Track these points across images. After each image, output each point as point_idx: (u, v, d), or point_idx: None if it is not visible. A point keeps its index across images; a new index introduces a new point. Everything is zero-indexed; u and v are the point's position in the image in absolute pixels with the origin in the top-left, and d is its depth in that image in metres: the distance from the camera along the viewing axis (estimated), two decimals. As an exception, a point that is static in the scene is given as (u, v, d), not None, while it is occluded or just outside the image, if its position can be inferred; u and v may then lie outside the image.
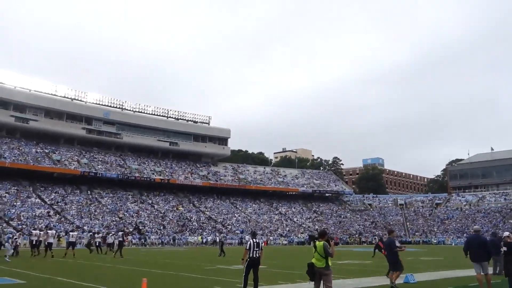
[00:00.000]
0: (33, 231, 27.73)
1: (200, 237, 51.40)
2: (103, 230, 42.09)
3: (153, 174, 62.62)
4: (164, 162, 68.31)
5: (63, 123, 59.71)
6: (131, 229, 48.25)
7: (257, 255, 10.49)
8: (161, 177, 62.36)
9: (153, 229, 50.99)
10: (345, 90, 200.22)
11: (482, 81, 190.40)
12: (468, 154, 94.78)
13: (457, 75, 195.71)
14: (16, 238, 25.06)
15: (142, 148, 67.78)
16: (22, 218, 43.19)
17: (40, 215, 45.30)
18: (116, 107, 65.09)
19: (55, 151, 57.65)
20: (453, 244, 56.79)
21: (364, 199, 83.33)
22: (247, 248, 10.52)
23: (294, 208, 73.38)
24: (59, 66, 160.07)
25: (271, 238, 56.15)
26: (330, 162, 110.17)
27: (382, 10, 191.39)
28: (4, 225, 39.72)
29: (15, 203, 46.05)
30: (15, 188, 49.72)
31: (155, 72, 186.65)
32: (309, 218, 70.28)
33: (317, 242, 8.70)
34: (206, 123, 74.29)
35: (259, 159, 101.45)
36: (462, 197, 77.84)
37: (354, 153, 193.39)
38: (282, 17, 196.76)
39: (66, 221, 45.79)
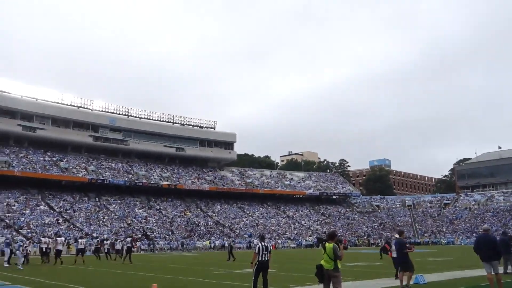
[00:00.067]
0: (42, 238, 27.90)
1: (208, 241, 51.48)
2: (112, 237, 42.31)
3: (160, 179, 62.86)
4: (171, 168, 68.54)
5: (70, 131, 60.16)
6: (139, 235, 48.43)
7: (266, 258, 10.55)
8: (168, 183, 62.58)
9: (161, 235, 51.15)
10: (350, 92, 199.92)
11: (489, 80, 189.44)
12: (476, 153, 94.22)
13: (464, 75, 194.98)
14: (26, 246, 25.26)
15: (148, 154, 68.07)
16: (31, 226, 43.53)
17: (49, 222, 45.63)
18: (122, 114, 65.50)
19: (62, 159, 58.06)
20: (462, 244, 56.46)
21: (371, 201, 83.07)
22: (256, 251, 10.58)
23: (302, 211, 73.30)
24: (64, 75, 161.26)
25: (279, 241, 56.11)
26: (336, 164, 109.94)
27: (387, 11, 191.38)
28: (14, 233, 40.03)
29: (24, 212, 46.43)
30: (24, 196, 50.12)
31: (160, 78, 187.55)
32: (317, 221, 70.15)
33: (326, 244, 8.71)
34: (211, 128, 74.53)
35: (265, 163, 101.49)
36: (471, 196, 77.38)
37: (361, 154, 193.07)
38: (286, 21, 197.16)
39: (75, 228, 46.08)
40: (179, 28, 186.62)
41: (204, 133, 73.07)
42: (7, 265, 22.79)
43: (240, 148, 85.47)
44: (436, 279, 14.73)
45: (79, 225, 47.18)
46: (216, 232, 56.61)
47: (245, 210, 67.79)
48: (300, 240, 58.90)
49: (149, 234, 50.38)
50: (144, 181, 60.66)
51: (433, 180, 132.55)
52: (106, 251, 31.54)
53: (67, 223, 47.11)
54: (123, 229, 49.06)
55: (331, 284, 8.70)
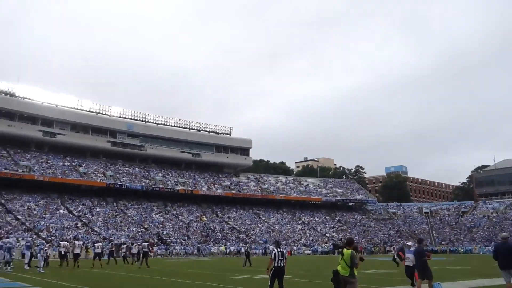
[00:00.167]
0: (61, 242, 28.41)
1: (224, 247, 51.65)
2: (128, 241, 42.82)
3: (177, 185, 63.37)
4: (187, 173, 69.06)
5: (88, 136, 61.13)
6: (156, 240, 48.86)
7: (282, 264, 10.66)
8: (185, 188, 63.05)
9: (177, 240, 51.51)
10: (366, 98, 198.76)
11: (507, 85, 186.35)
12: (494, 160, 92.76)
13: (482, 81, 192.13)
14: (46, 249, 25.75)
15: (165, 159, 68.70)
16: (51, 229, 44.30)
17: (68, 226, 46.39)
18: (139, 120, 66.35)
19: (81, 164, 59.00)
20: (481, 253, 55.52)
21: (388, 208, 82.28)
22: (272, 257, 10.69)
23: (317, 217, 73.02)
24: (83, 81, 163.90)
25: (294, 248, 55.98)
26: (352, 170, 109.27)
27: (404, 17, 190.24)
28: (34, 236, 40.80)
29: (44, 215, 47.31)
30: (44, 200, 51.06)
31: (176, 84, 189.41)
32: (332, 228, 69.77)
33: (344, 250, 8.77)
34: (227, 134, 74.92)
35: (281, 169, 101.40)
36: (489, 204, 76.09)
37: (377, 161, 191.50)
38: (301, 26, 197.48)
39: (93, 233, 46.73)
40: (195, 35, 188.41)
41: (220, 139, 73.49)
42: (28, 267, 23.28)
43: (255, 154, 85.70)
44: (454, 287, 14.60)
45: (97, 229, 47.84)
46: (231, 238, 56.78)
47: (260, 216, 67.83)
48: (315, 247, 58.66)
49: (165, 239, 50.79)
50: (161, 186, 61.22)
51: (451, 187, 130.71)
52: (123, 255, 31.82)
53: (85, 227, 47.82)
54: (140, 233, 49.57)
55: (347, 291, 8.75)
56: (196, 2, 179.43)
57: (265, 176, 79.68)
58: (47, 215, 47.50)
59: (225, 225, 61.06)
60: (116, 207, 56.10)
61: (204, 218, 61.12)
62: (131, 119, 65.66)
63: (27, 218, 45.63)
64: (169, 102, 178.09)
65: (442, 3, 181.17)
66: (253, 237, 58.99)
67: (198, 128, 72.04)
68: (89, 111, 61.96)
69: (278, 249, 10.80)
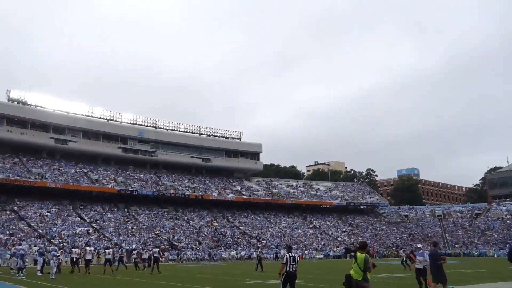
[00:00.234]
0: (73, 249, 28.58)
1: (235, 252, 51.55)
2: (139, 247, 42.88)
3: (188, 190, 63.49)
4: (197, 178, 69.18)
5: (100, 143, 61.57)
6: (167, 245, 48.93)
7: (294, 269, 10.59)
8: (195, 193, 63.13)
9: (188, 245, 51.53)
10: (376, 100, 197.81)
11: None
12: (508, 161, 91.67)
13: (493, 81, 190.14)
14: (58, 256, 25.88)
15: (176, 165, 68.88)
16: (63, 236, 44.60)
17: (80, 233, 46.66)
18: (150, 126, 66.68)
19: (93, 170, 59.41)
20: (495, 256, 54.73)
21: (400, 211, 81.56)
22: (284, 262, 10.62)
23: (329, 221, 72.61)
24: (94, 88, 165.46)
25: (306, 252, 55.69)
26: (363, 174, 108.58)
27: (412, 18, 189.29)
28: (47, 243, 41.09)
29: (56, 222, 47.67)
30: (56, 207, 51.46)
31: (186, 90, 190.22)
32: (344, 232, 69.31)
33: (358, 254, 8.66)
34: (237, 138, 74.96)
35: (291, 173, 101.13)
36: (503, 206, 74.99)
37: (388, 164, 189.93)
38: (311, 30, 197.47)
39: (105, 239, 46.93)
40: (204, 39, 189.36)
41: (230, 144, 73.55)
42: (40, 274, 23.41)
43: (266, 159, 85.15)
44: (468, 291, 14.38)
45: (109, 235, 48.06)
46: (242, 243, 56.66)
47: (271, 221, 67.64)
48: (327, 251, 58.29)
49: (176, 244, 50.84)
50: (172, 191, 61.38)
51: (464, 189, 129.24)
52: (133, 261, 31.90)
53: (97, 233, 48.07)
54: (151, 239, 49.67)
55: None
56: (206, 7, 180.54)
57: (275, 181, 79.52)
58: (59, 222, 47.86)
59: (236, 230, 60.97)
60: (127, 213, 56.34)
61: (215, 223, 61.10)
62: (141, 125, 66.01)
63: (40, 224, 46.01)
64: (179, 107, 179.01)
65: (452, 4, 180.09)
66: (264, 241, 58.82)
67: (208, 133, 72.20)
68: (100, 118, 62.44)
69: (290, 253, 10.74)
